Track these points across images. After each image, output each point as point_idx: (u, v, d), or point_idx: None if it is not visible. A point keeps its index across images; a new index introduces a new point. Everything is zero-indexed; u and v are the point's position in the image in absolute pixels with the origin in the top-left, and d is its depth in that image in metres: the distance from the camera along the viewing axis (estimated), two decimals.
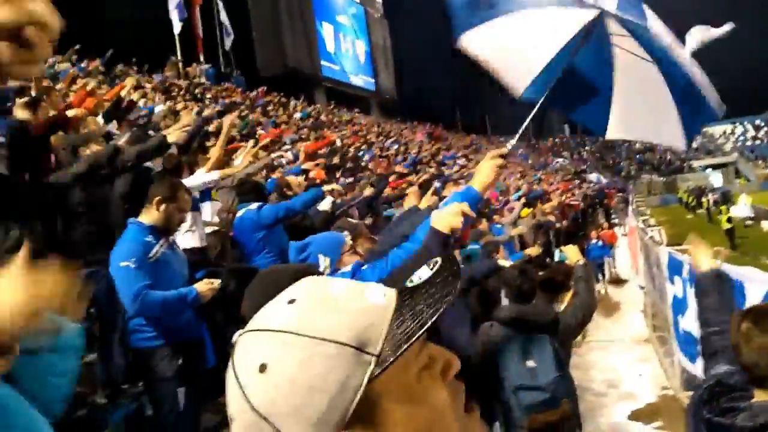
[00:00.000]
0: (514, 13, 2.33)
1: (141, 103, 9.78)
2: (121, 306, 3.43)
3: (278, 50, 30.34)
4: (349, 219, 5.79)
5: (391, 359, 0.59)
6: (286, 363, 0.59)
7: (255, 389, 0.59)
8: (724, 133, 61.84)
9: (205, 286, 3.30)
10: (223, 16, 23.98)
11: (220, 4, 23.81)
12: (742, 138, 61.13)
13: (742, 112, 62.03)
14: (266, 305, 0.67)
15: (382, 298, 0.65)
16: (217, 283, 3.37)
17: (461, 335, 3.32)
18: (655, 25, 2.27)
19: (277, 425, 0.58)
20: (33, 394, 1.25)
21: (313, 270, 1.84)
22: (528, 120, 2.35)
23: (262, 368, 0.59)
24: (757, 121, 62.60)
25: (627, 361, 7.64)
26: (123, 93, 7.84)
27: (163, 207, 3.31)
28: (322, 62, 33.60)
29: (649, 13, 2.27)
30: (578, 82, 2.40)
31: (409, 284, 0.68)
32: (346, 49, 36.94)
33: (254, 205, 4.82)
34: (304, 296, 0.64)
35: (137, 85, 11.66)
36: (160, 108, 10.11)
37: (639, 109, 2.47)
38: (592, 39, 2.30)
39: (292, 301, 0.64)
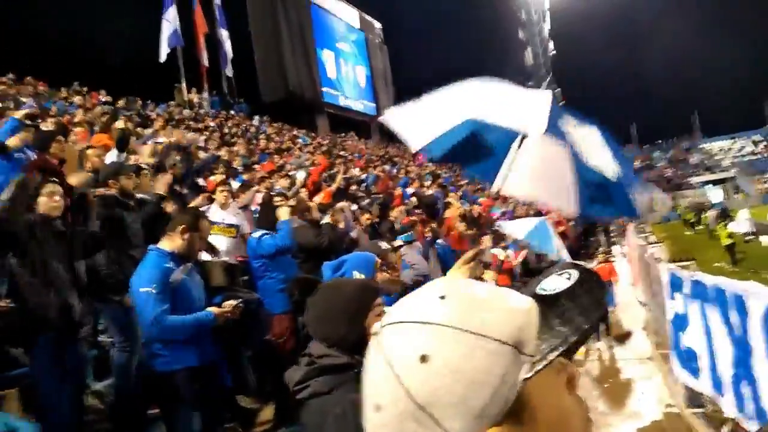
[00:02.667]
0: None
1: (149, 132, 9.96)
2: (140, 332, 3.55)
3: (280, 77, 30.75)
4: (379, 243, 5.98)
5: (550, 359, 0.63)
6: (449, 355, 0.60)
7: (414, 378, 0.61)
8: (722, 149, 62.12)
9: (222, 309, 3.44)
10: (227, 45, 24.38)
11: (224, 33, 24.23)
12: (740, 153, 61.37)
13: (739, 127, 62.68)
14: (410, 299, 0.69)
15: (525, 302, 0.67)
16: (233, 306, 3.51)
17: None
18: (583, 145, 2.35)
19: (437, 415, 0.59)
20: None
21: (371, 284, 1.95)
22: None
23: (424, 358, 0.61)
24: (755, 137, 62.86)
25: (631, 379, 7.67)
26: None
27: (187, 235, 3.45)
28: (324, 88, 34.00)
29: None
30: (477, 143, 2.52)
31: (541, 292, 0.72)
32: (347, 74, 37.40)
33: (258, 233, 5.00)
34: (454, 293, 0.66)
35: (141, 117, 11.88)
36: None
37: (532, 171, 2.53)
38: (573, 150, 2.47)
39: (443, 297, 0.66)
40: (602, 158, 2.27)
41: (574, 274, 0.73)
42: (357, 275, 2.56)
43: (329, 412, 1.47)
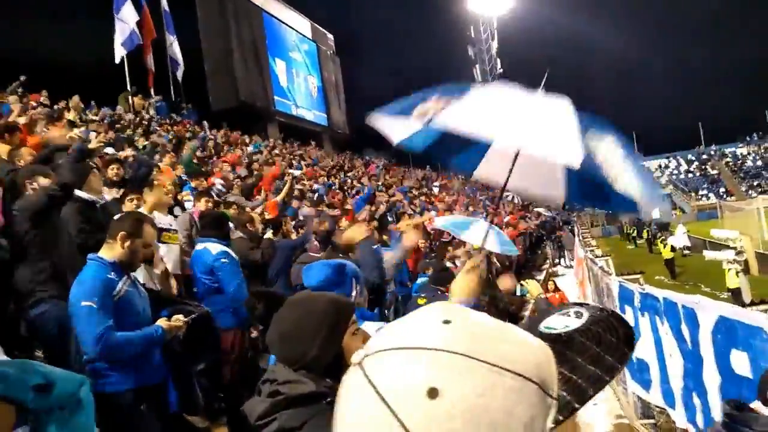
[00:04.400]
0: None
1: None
2: (74, 347, 3.29)
3: (231, 84, 30.22)
4: (311, 254, 5.84)
5: (577, 405, 0.54)
6: (463, 390, 0.48)
7: (420, 419, 0.48)
8: (659, 166, 65.15)
9: (172, 323, 3.22)
10: (176, 49, 23.79)
11: (172, 38, 23.65)
12: (675, 171, 64.51)
13: (675, 147, 66.00)
14: (400, 324, 0.57)
15: (534, 339, 0.56)
16: (183, 320, 3.30)
17: None
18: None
19: None
20: None
21: (346, 300, 1.75)
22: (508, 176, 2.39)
23: (433, 393, 0.48)
24: (690, 156, 66.33)
25: None
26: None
27: (128, 243, 3.21)
28: (275, 97, 33.65)
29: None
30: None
31: (548, 332, 0.61)
32: (299, 84, 37.17)
33: (213, 249, 4.72)
34: (458, 318, 0.54)
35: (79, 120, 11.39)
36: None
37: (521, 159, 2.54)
38: None
39: (447, 322, 0.54)
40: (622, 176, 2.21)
41: (585, 313, 0.64)
42: (355, 284, 2.39)
43: None
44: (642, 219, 47.26)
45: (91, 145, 5.53)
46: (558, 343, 0.58)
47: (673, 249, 20.78)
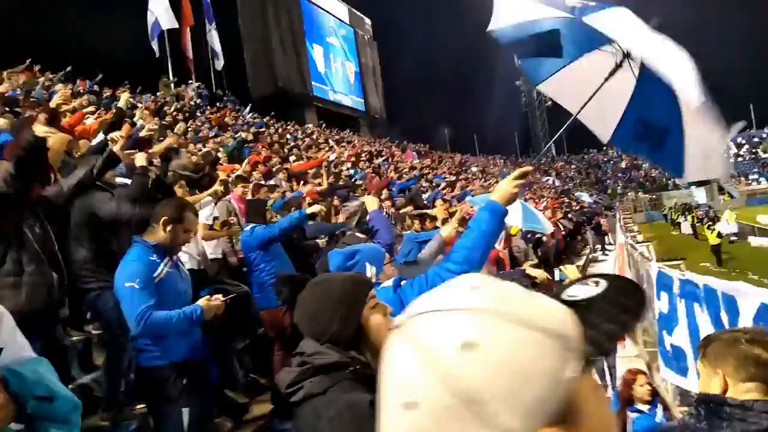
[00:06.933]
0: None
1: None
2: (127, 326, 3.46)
3: (269, 71, 30.58)
4: (357, 235, 5.97)
5: (596, 357, 0.60)
6: (495, 343, 0.53)
7: (458, 369, 0.53)
8: None
9: (210, 303, 3.36)
10: (214, 39, 24.13)
11: (210, 26, 24.00)
12: (724, 155, 62.03)
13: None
14: (435, 291, 0.62)
15: (556, 302, 0.63)
16: (222, 299, 3.43)
17: None
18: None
19: (485, 411, 0.52)
20: None
21: (362, 278, 1.87)
22: (553, 140, 2.56)
23: (468, 346, 0.53)
24: (740, 139, 63.71)
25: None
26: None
27: (169, 227, 3.34)
28: (313, 83, 33.87)
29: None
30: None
31: (569, 299, 0.67)
32: (336, 69, 37.29)
33: (249, 227, 4.98)
34: (486, 285, 0.60)
35: (129, 106, 11.73)
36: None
37: (704, 149, 2.59)
38: (646, 85, 2.52)
39: (475, 288, 0.59)
40: (683, 90, 2.26)
41: (603, 282, 0.70)
42: (369, 267, 2.51)
43: (324, 413, 1.40)
44: (680, 184, 46.01)
45: (142, 134, 5.72)
46: (579, 308, 0.63)
47: (719, 235, 20.14)
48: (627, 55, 2.43)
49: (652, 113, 2.56)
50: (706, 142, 2.39)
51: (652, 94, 2.49)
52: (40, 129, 4.08)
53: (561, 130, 2.84)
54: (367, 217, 3.64)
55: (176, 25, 20.54)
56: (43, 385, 1.29)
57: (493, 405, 0.52)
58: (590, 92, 2.47)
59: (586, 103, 2.47)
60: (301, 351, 1.57)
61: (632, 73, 2.55)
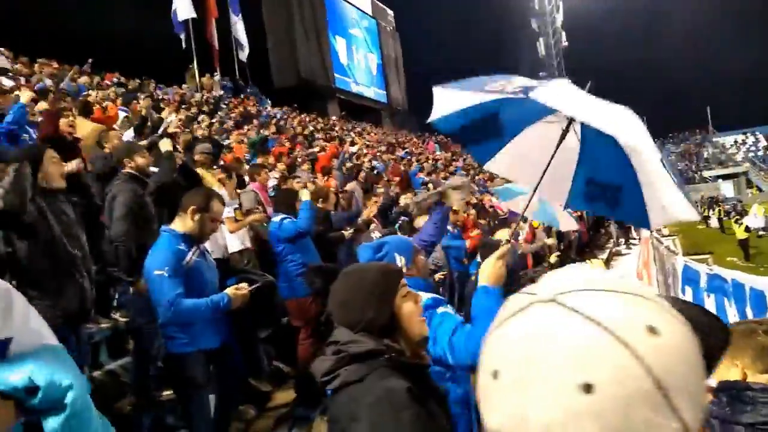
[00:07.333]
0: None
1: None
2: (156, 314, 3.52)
3: (292, 62, 30.66)
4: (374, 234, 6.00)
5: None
6: (674, 331, 0.53)
7: (644, 348, 0.51)
8: (735, 142, 61.44)
9: (237, 292, 3.41)
10: (239, 30, 24.24)
11: (235, 18, 24.12)
12: (753, 148, 60.69)
13: (753, 122, 61.90)
14: (585, 272, 0.60)
15: None
16: (248, 289, 3.48)
17: None
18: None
19: (672, 397, 0.49)
20: None
21: (394, 267, 1.92)
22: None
23: (652, 330, 0.52)
24: None
25: None
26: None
27: (197, 216, 3.40)
28: (336, 75, 33.90)
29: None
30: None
31: None
32: (359, 61, 37.26)
33: (278, 218, 4.97)
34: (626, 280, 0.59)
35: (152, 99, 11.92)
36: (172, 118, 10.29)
37: (527, 156, 2.65)
38: (590, 146, 2.57)
39: (622, 276, 0.60)
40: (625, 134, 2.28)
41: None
42: (398, 258, 2.53)
43: (362, 400, 1.43)
44: (707, 177, 44.94)
45: (170, 129, 5.81)
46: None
47: (747, 229, 19.74)
48: (572, 120, 2.45)
49: (600, 173, 2.60)
50: (663, 191, 2.39)
51: (597, 153, 2.53)
52: (85, 126, 4.16)
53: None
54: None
55: (194, 15, 20.54)
56: (26, 377, 1.27)
57: (678, 394, 0.50)
58: (537, 162, 2.51)
59: (542, 177, 2.51)
60: (335, 340, 1.60)
61: (576, 137, 2.60)
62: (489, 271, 2.25)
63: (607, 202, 2.60)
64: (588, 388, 0.49)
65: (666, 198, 2.39)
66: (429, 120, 2.67)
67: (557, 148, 2.45)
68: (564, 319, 0.53)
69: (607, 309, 0.53)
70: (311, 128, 19.55)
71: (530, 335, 0.54)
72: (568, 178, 2.69)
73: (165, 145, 4.63)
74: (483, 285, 2.25)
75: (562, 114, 2.47)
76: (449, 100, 2.52)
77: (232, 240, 5.43)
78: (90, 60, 14.36)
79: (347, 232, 5.96)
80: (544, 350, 0.52)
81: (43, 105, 6.38)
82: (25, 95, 5.89)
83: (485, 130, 2.66)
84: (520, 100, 2.19)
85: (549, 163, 2.45)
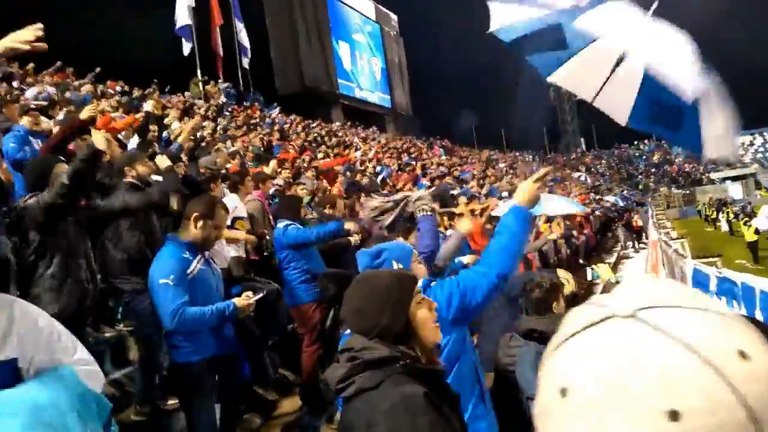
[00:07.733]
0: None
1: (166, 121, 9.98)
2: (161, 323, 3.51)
3: (296, 69, 30.76)
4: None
5: None
6: (764, 356, 0.48)
7: (736, 373, 0.46)
8: (743, 144, 61.05)
9: (243, 300, 3.38)
10: (243, 37, 24.31)
11: (240, 25, 24.21)
12: (761, 149, 60.32)
13: (760, 122, 61.41)
14: (677, 286, 0.56)
15: None
16: (254, 297, 3.46)
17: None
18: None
19: (764, 429, 0.45)
20: None
21: (408, 274, 1.90)
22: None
23: (743, 355, 0.47)
24: None
25: None
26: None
27: (200, 224, 3.37)
28: (339, 80, 33.97)
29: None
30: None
31: None
32: (362, 66, 37.33)
33: (282, 224, 4.93)
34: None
35: (159, 106, 11.93)
36: (176, 125, 10.30)
37: (718, 126, 2.63)
38: (654, 73, 2.63)
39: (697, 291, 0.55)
40: (686, 78, 2.34)
41: None
42: (396, 265, 2.52)
43: (379, 407, 1.42)
44: (714, 179, 44.76)
45: (181, 140, 5.77)
46: None
47: (757, 231, 19.55)
48: (629, 50, 2.51)
49: (662, 95, 2.64)
50: (719, 121, 2.43)
51: (661, 79, 2.59)
52: (98, 139, 4.15)
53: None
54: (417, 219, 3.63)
55: (189, 22, 20.57)
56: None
57: (765, 425, 0.45)
58: (600, 78, 2.58)
59: (601, 88, 2.56)
60: (349, 347, 1.59)
61: (640, 61, 2.65)
62: (524, 191, 2.32)
63: (667, 125, 2.66)
64: (675, 416, 0.45)
65: (721, 131, 2.44)
66: (489, 30, 2.75)
67: (616, 65, 2.52)
68: (648, 339, 0.49)
69: (695, 329, 0.48)
70: (315, 134, 19.58)
71: (609, 353, 0.49)
72: (632, 95, 2.72)
73: (162, 162, 4.63)
74: (515, 205, 2.32)
75: (621, 39, 2.53)
76: (509, 12, 2.59)
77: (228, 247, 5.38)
78: (97, 69, 14.44)
79: (353, 239, 5.91)
80: (626, 371, 0.48)
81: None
82: (25, 119, 5.95)
83: (547, 44, 2.72)
84: (578, 17, 2.26)
85: (608, 78, 2.51)
